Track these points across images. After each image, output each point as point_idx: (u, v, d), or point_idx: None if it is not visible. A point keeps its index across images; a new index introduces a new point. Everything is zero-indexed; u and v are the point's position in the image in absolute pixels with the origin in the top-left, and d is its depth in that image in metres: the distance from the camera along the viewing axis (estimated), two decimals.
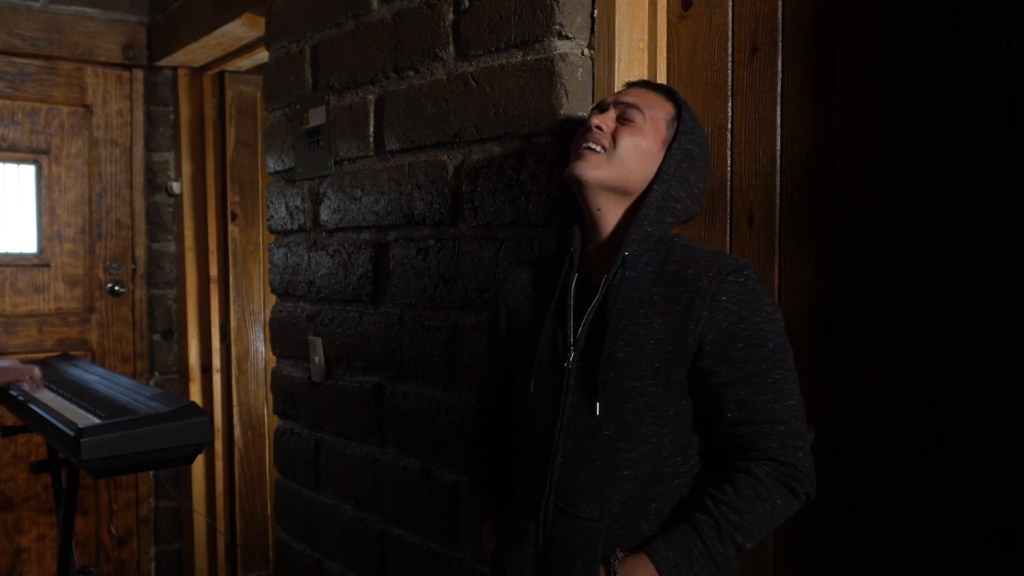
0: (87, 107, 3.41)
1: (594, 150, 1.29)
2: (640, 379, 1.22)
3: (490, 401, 1.54)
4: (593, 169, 1.28)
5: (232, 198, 3.52)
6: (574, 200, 1.37)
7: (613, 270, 1.27)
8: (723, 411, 1.22)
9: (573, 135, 1.38)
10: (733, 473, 1.21)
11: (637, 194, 1.31)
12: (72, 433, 1.74)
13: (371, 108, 2.16)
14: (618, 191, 1.30)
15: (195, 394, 3.52)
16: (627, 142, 1.28)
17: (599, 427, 1.25)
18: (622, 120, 1.30)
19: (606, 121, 1.30)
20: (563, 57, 1.64)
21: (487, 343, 1.55)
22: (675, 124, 1.32)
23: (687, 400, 1.25)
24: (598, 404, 1.24)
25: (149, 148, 3.54)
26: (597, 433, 1.25)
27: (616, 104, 1.32)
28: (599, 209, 1.31)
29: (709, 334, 1.20)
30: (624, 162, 1.28)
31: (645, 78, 1.66)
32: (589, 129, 1.31)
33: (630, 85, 1.40)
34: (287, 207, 2.51)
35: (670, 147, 1.30)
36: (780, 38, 1.49)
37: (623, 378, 1.23)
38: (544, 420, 1.31)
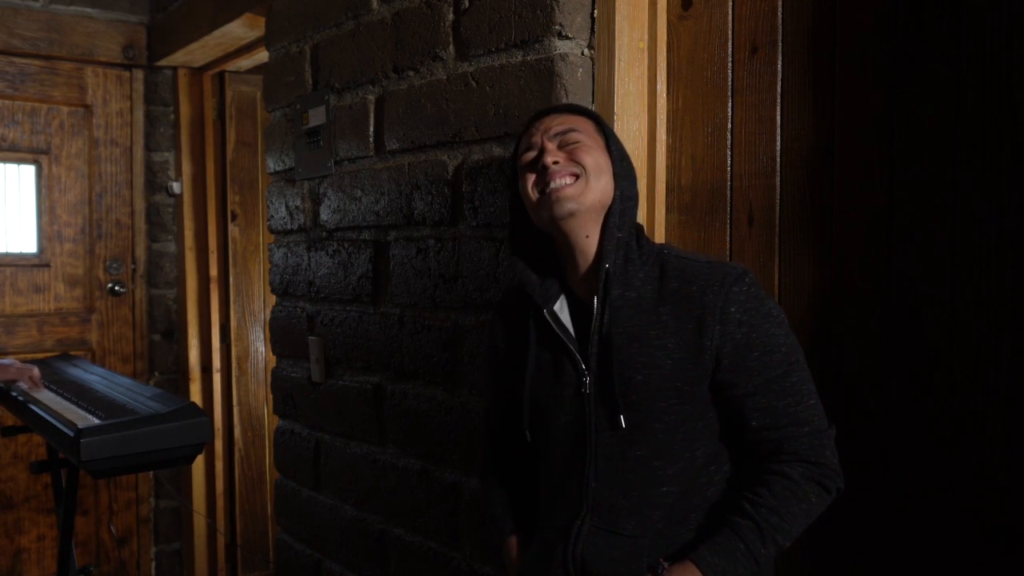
0: (87, 107, 3.41)
1: (567, 183, 1.25)
2: (664, 399, 1.23)
3: (498, 427, 1.54)
4: (579, 196, 1.25)
5: (232, 198, 3.52)
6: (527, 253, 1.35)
7: (600, 285, 1.26)
8: (748, 419, 1.24)
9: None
10: (767, 476, 1.23)
11: (607, 208, 1.28)
12: (72, 433, 1.74)
13: (371, 108, 2.16)
14: (600, 208, 1.27)
15: (195, 394, 3.52)
16: (590, 159, 1.26)
17: (630, 449, 1.25)
18: (565, 146, 1.27)
19: (556, 154, 1.27)
20: (563, 57, 1.64)
21: (487, 368, 1.55)
22: (600, 130, 1.31)
23: (712, 412, 1.27)
24: (622, 417, 1.24)
25: (149, 148, 3.54)
26: (629, 454, 1.26)
27: (549, 137, 1.28)
28: (588, 236, 1.27)
29: (725, 347, 1.22)
30: (598, 177, 1.26)
31: (645, 78, 1.66)
32: (545, 168, 1.26)
33: (537, 117, 1.35)
34: (287, 207, 2.51)
35: (610, 152, 1.29)
36: (780, 38, 1.49)
37: (647, 400, 1.23)
38: (569, 447, 1.31)
